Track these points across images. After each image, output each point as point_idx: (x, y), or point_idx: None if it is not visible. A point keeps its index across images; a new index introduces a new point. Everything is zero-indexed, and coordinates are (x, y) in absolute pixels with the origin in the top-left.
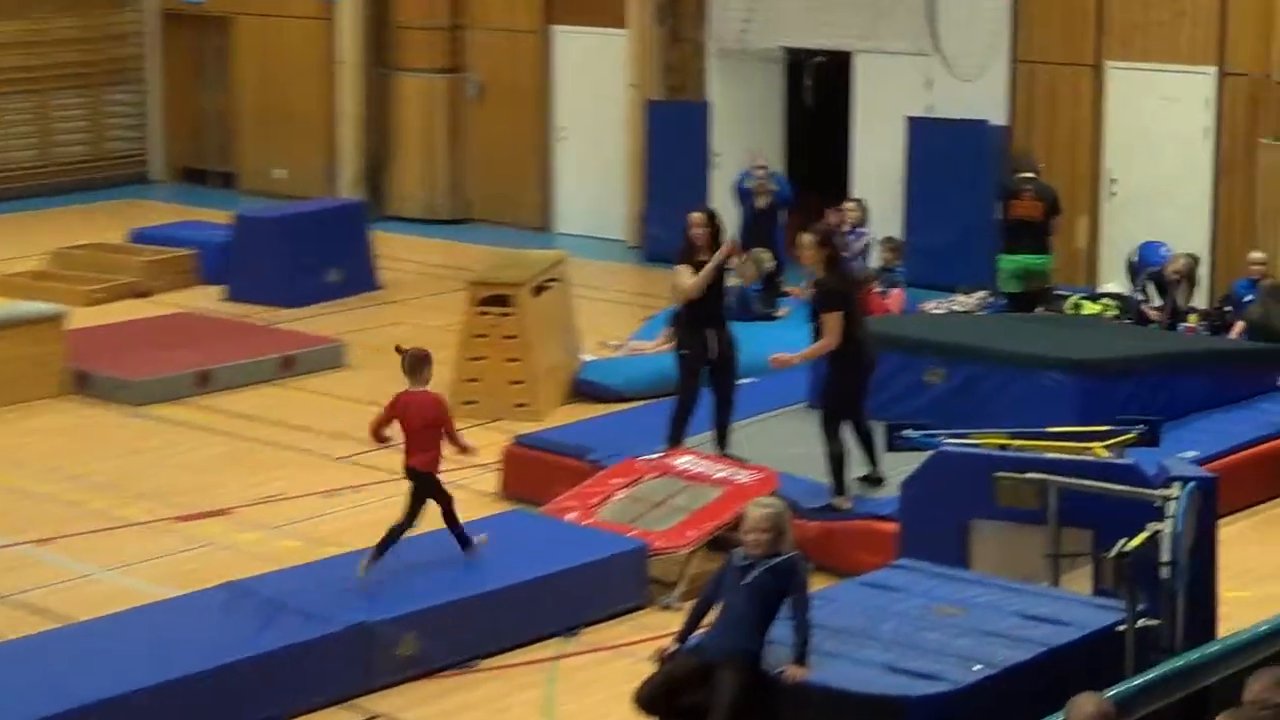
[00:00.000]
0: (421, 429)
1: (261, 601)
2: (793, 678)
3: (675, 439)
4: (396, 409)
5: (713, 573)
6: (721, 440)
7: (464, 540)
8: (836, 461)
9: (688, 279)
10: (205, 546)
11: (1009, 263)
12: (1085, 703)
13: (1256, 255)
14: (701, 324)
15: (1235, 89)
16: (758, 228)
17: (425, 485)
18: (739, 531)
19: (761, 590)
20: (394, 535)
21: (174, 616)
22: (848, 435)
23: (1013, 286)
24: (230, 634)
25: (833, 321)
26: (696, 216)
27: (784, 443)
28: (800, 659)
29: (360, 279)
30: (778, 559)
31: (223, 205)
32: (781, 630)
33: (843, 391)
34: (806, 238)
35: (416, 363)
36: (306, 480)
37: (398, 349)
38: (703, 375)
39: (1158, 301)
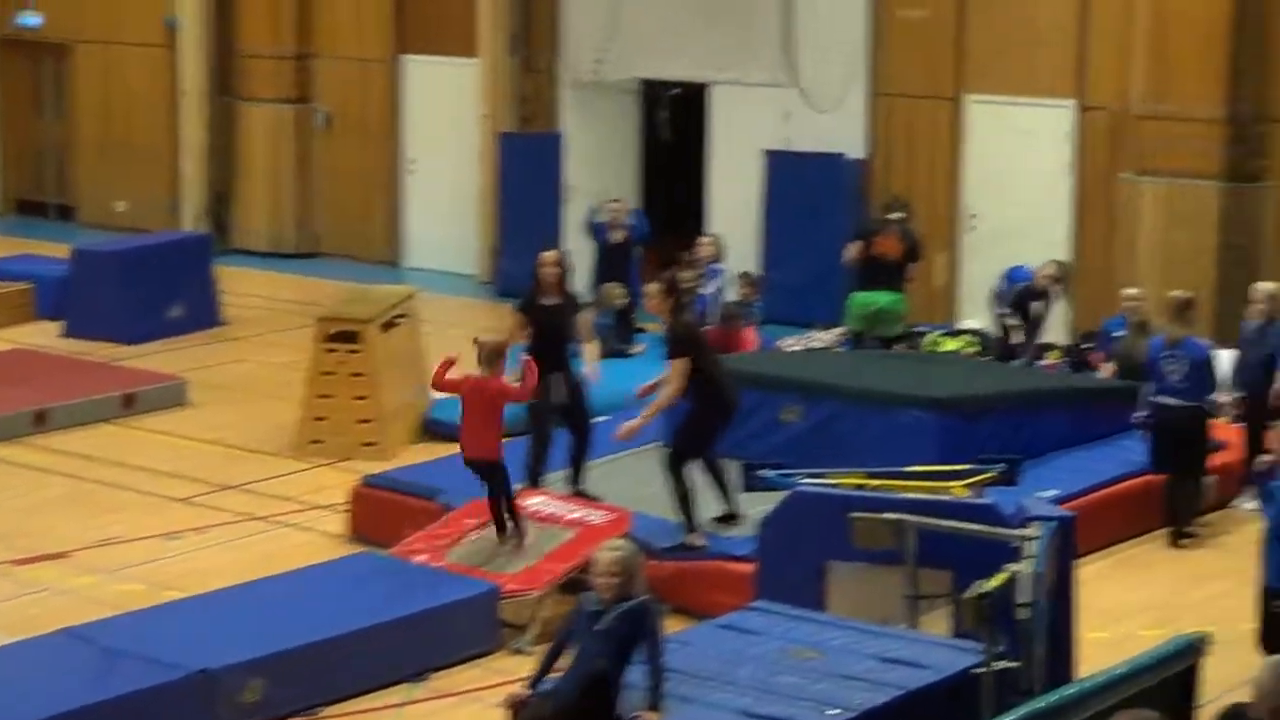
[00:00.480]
0: (484, 414)
1: (101, 648)
2: None
3: (532, 481)
4: (464, 386)
5: (565, 616)
6: (576, 478)
7: (501, 525)
8: (685, 500)
9: (512, 322)
10: (42, 591)
11: (860, 300)
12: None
13: (1131, 292)
14: (544, 370)
15: (1094, 123)
16: (612, 263)
17: (486, 473)
18: (589, 575)
19: (613, 636)
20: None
21: (9, 663)
22: (695, 474)
23: (860, 325)
24: (68, 682)
25: (678, 367)
26: (549, 255)
27: (638, 482)
28: (654, 705)
29: (203, 315)
30: (629, 603)
31: (61, 238)
32: (636, 675)
33: (698, 432)
34: (652, 287)
35: (494, 354)
36: (147, 522)
37: (476, 341)
38: (553, 418)
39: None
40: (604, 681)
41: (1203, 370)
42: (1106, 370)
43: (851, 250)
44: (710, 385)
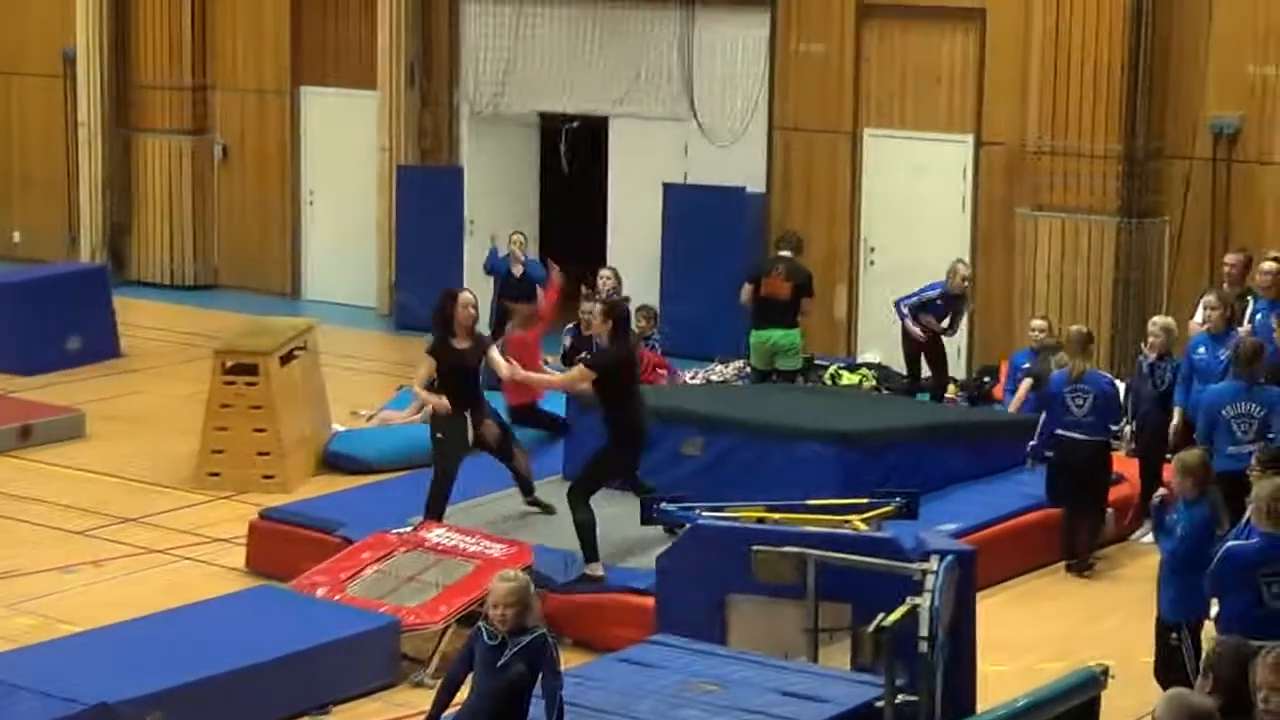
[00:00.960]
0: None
1: None
2: None
3: (434, 514)
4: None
5: (459, 650)
6: (527, 490)
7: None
8: (585, 529)
9: (424, 371)
10: None
11: (758, 338)
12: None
13: (1037, 323)
14: (457, 411)
15: (991, 158)
16: (513, 298)
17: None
18: (484, 606)
19: (513, 670)
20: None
21: None
22: (593, 505)
23: (761, 362)
24: None
25: (581, 372)
26: (467, 296)
27: (536, 514)
28: None
29: (101, 346)
30: (529, 637)
31: None
32: (536, 709)
33: (606, 467)
34: (595, 307)
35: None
36: (44, 555)
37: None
38: (460, 458)
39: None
40: (505, 717)
41: (1108, 403)
42: (1024, 388)
43: (745, 292)
44: (625, 419)
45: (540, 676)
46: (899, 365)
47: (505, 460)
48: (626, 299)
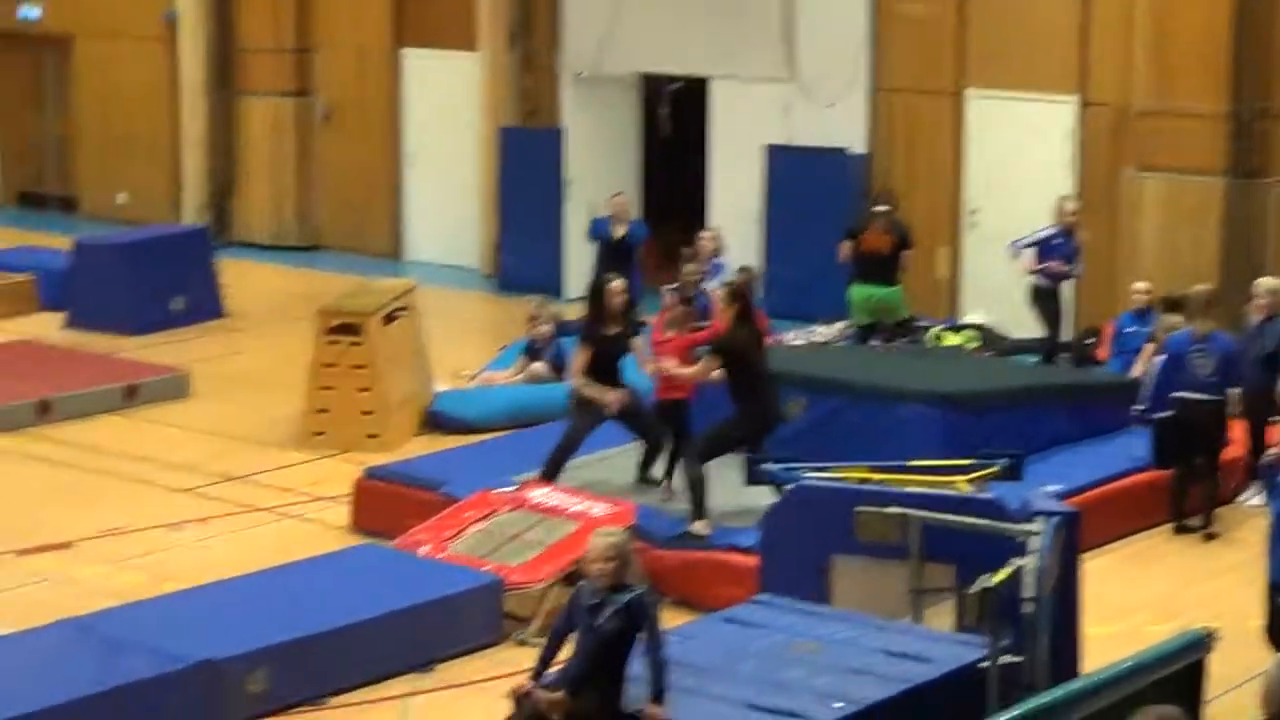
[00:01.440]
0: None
1: (103, 638)
2: (651, 717)
3: (550, 474)
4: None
5: (562, 608)
6: (670, 473)
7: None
8: (696, 485)
9: (582, 359)
10: (45, 581)
11: (858, 293)
12: None
13: (1140, 285)
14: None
15: (1097, 119)
16: (613, 261)
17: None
18: (583, 562)
19: (613, 629)
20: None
21: (11, 654)
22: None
23: (863, 318)
24: (70, 671)
25: (711, 362)
26: (617, 285)
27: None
28: (658, 697)
29: (205, 307)
30: (628, 595)
31: (63, 230)
32: (637, 667)
33: (724, 439)
34: (718, 292)
35: (678, 320)
36: (150, 513)
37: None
38: (590, 430)
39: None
40: (606, 675)
41: (1231, 364)
42: (1148, 351)
43: (844, 249)
44: (749, 401)
45: (641, 634)
46: (1001, 327)
47: (648, 437)
48: (747, 273)
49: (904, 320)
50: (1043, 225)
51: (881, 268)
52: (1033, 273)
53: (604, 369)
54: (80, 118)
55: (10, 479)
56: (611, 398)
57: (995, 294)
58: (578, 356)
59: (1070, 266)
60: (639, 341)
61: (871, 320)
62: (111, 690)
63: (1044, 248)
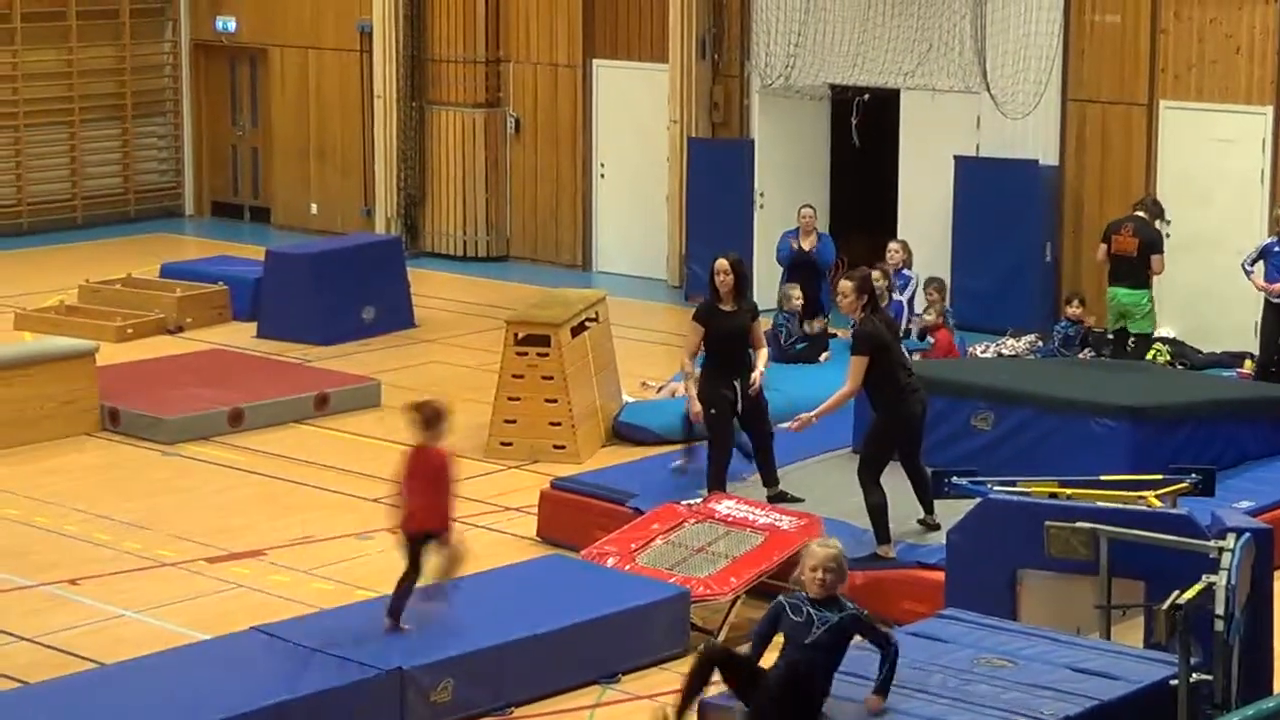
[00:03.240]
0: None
1: (294, 646)
2: (873, 708)
3: (718, 486)
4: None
5: (761, 620)
6: (767, 481)
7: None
8: (877, 511)
9: (693, 340)
10: (237, 588)
11: (1109, 295)
12: None
13: None
14: (724, 377)
15: None
16: (800, 273)
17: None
18: (799, 570)
19: (824, 647)
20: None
21: (205, 660)
22: (883, 484)
23: (1113, 322)
24: (262, 678)
25: (856, 365)
26: (722, 263)
27: (827, 487)
28: (882, 689)
29: (395, 317)
30: (839, 616)
31: (256, 240)
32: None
33: (879, 440)
34: (844, 284)
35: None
36: (340, 522)
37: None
38: (732, 424)
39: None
40: (812, 691)
41: None
42: None
43: (1099, 251)
44: (890, 390)
45: (872, 645)
46: (1193, 340)
47: (759, 433)
48: (873, 271)
49: (1144, 334)
50: (1252, 240)
51: (1129, 270)
52: (1267, 290)
53: (724, 352)
54: (274, 128)
55: (202, 487)
56: (696, 409)
57: (1186, 307)
58: (689, 335)
59: None
60: (758, 327)
61: (1117, 327)
62: (300, 699)
63: (1271, 263)
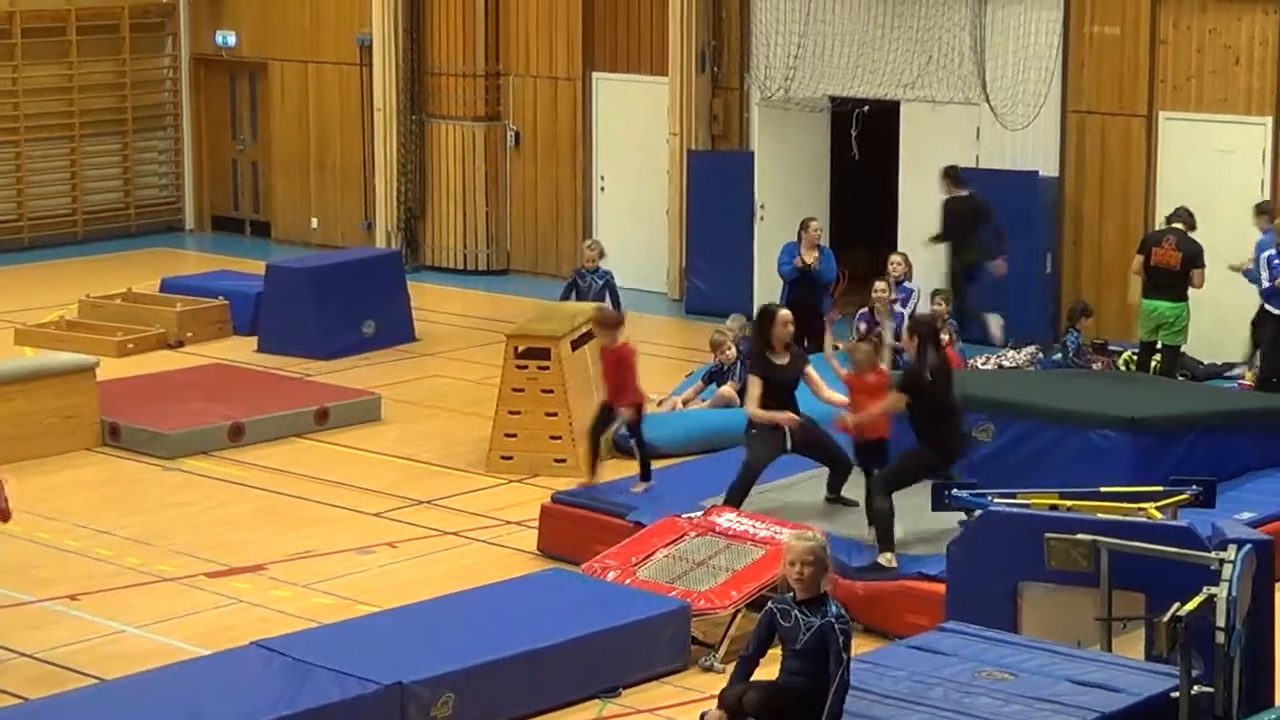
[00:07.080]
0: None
1: (294, 661)
2: None
3: (731, 501)
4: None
5: (754, 632)
6: (834, 487)
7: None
8: (882, 517)
9: (755, 391)
10: (237, 603)
11: (1146, 308)
12: None
13: None
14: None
15: None
16: (802, 287)
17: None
18: (779, 567)
19: (811, 653)
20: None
21: (205, 675)
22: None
23: (1146, 333)
24: (262, 694)
25: (895, 399)
26: (784, 315)
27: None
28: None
29: (396, 331)
30: (822, 621)
31: (256, 254)
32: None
33: (910, 468)
34: (906, 325)
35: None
36: (340, 536)
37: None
38: (771, 459)
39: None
40: (804, 697)
41: None
42: None
43: (1136, 263)
44: (931, 430)
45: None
46: (1195, 351)
47: (834, 463)
48: (934, 315)
49: (1174, 346)
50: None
51: (1171, 283)
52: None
53: (778, 399)
54: (274, 142)
55: (202, 502)
56: (785, 416)
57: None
58: (751, 389)
59: None
60: (812, 370)
61: (1151, 338)
62: (301, 713)
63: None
